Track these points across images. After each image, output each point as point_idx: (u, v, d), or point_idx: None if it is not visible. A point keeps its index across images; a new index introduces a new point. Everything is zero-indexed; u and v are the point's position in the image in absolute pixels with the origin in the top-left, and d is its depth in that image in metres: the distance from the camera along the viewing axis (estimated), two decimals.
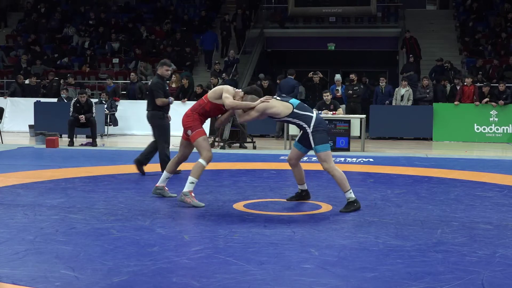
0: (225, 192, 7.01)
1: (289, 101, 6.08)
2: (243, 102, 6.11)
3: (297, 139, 6.33)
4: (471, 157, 11.48)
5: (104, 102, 16.50)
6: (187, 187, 6.10)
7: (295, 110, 6.00)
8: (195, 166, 6.15)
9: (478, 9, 22.13)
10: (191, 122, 6.23)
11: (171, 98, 8.52)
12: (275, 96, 6.25)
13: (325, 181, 8.19)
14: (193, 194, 6.11)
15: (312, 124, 6.00)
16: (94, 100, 14.74)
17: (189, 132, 6.23)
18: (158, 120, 8.36)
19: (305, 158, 10.57)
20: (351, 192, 6.02)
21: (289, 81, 15.85)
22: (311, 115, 6.05)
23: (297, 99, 7.23)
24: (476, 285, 3.66)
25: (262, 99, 6.05)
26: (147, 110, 8.48)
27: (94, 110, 13.41)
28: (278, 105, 6.00)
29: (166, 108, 8.45)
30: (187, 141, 6.36)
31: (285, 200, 6.51)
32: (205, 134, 6.28)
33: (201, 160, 6.13)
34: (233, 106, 6.09)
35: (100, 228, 5.11)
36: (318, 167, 9.60)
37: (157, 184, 6.66)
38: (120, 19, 23.80)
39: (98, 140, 13.70)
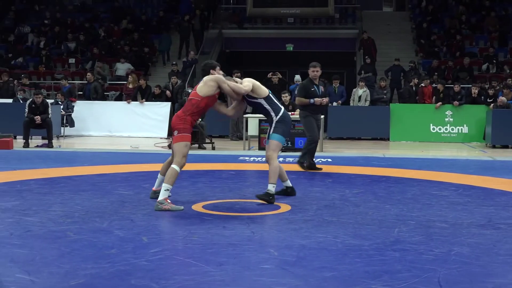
0: (183, 193, 6.96)
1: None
2: (235, 84, 6.36)
3: (267, 136, 6.55)
4: (427, 157, 11.66)
5: (60, 102, 16.25)
6: (162, 195, 6.00)
7: (270, 96, 6.48)
8: (168, 172, 6.08)
9: (434, 11, 22.52)
10: (182, 124, 6.16)
11: (312, 100, 9.13)
12: None
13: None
14: (169, 201, 6.02)
15: (279, 115, 6.43)
16: (50, 101, 14.50)
17: (176, 132, 6.17)
18: (301, 118, 9.39)
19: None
20: (274, 187, 6.37)
21: None
22: (280, 106, 6.52)
23: None
24: (432, 282, 3.71)
25: None
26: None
27: (50, 111, 13.20)
28: (261, 85, 6.51)
29: (309, 107, 9.16)
30: None
31: (244, 200, 6.51)
32: (189, 141, 6.21)
33: (174, 166, 6.07)
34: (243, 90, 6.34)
35: (57, 230, 5.03)
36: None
37: (154, 188, 6.56)
38: (76, 18, 23.48)
39: (54, 141, 13.49)
